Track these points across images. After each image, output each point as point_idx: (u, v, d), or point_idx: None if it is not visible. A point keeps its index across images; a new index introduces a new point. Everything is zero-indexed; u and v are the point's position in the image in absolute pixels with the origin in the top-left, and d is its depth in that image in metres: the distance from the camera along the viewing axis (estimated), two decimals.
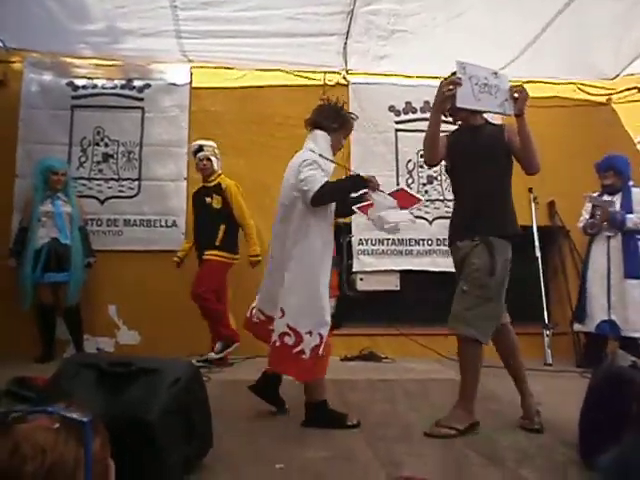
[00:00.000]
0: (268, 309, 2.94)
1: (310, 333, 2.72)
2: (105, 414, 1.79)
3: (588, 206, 4.84)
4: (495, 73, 2.75)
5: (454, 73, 2.72)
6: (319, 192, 2.72)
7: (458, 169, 2.93)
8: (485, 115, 2.96)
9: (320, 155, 2.88)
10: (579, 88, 5.61)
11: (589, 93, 5.65)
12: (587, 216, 4.82)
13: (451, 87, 2.63)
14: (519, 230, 2.90)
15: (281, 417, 2.94)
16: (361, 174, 3.01)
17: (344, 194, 2.96)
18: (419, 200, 3.11)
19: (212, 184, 4.56)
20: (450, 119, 2.97)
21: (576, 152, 5.41)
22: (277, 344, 2.73)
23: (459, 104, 2.67)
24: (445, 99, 2.69)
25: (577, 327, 4.81)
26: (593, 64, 5.28)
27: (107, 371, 2.15)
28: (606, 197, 4.72)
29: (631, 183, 4.71)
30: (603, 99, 5.66)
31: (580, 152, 5.41)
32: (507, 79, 2.78)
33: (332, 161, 2.97)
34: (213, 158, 4.57)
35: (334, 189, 2.85)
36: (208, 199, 4.53)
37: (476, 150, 2.83)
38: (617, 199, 4.64)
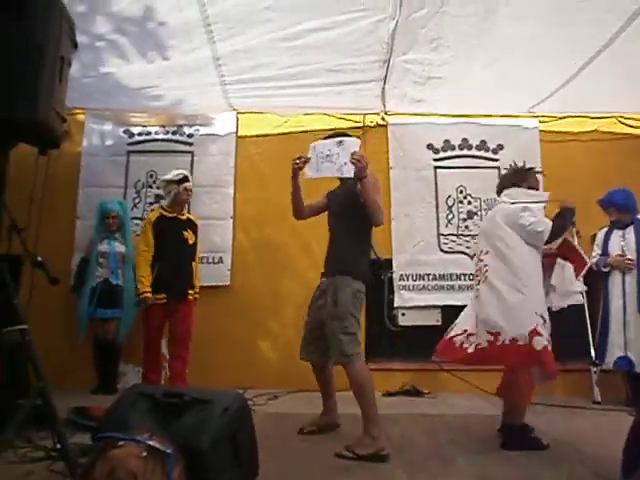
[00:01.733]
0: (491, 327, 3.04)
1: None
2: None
3: (599, 238, 4.79)
4: (340, 142, 3.15)
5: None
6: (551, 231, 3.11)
7: (328, 220, 3.50)
8: None
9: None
10: (620, 121, 5.60)
11: (631, 126, 5.63)
12: (599, 251, 4.78)
13: (297, 162, 3.23)
14: (367, 273, 3.39)
15: (325, 447, 3.01)
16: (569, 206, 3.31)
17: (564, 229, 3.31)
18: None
19: (184, 217, 4.49)
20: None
21: (616, 185, 5.36)
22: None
23: (305, 177, 3.27)
24: (294, 170, 3.29)
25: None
26: (635, 96, 5.25)
27: (162, 401, 2.31)
28: (615, 232, 4.71)
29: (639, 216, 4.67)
30: None
31: (621, 185, 5.36)
32: (355, 144, 3.12)
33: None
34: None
35: (561, 227, 3.20)
36: (185, 233, 4.41)
37: (334, 204, 3.46)
38: (630, 233, 4.62)
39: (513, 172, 3.55)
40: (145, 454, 1.00)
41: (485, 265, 3.29)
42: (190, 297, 4.35)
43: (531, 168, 3.59)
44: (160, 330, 4.28)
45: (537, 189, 3.55)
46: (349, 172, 3.03)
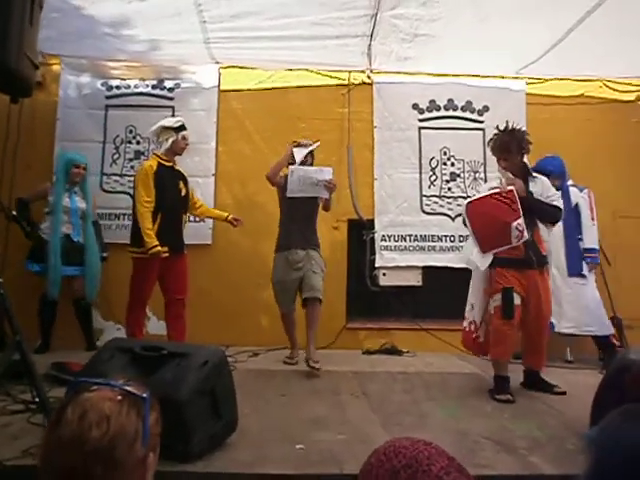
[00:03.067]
0: None
1: None
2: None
3: None
4: (320, 170, 4.17)
5: None
6: None
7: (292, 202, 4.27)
8: None
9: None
10: (605, 85, 5.57)
11: (616, 90, 5.61)
12: None
13: (289, 151, 4.21)
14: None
15: (303, 402, 3.06)
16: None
17: None
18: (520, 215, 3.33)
19: (177, 168, 4.28)
20: None
21: (602, 150, 5.40)
22: None
23: (288, 195, 4.14)
24: (278, 162, 4.28)
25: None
26: (623, 61, 5.20)
27: (140, 355, 2.31)
28: None
29: (569, 182, 4.77)
30: (631, 96, 5.61)
31: (606, 150, 5.40)
32: (330, 172, 4.17)
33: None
34: None
35: None
36: (180, 184, 4.21)
37: None
38: None
39: None
40: (120, 398, 0.98)
41: None
42: (186, 252, 4.23)
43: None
44: (153, 285, 4.15)
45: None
46: (325, 194, 4.20)
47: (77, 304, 4.73)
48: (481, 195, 3.53)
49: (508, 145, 3.55)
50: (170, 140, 4.13)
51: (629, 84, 5.57)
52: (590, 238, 4.78)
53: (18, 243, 4.53)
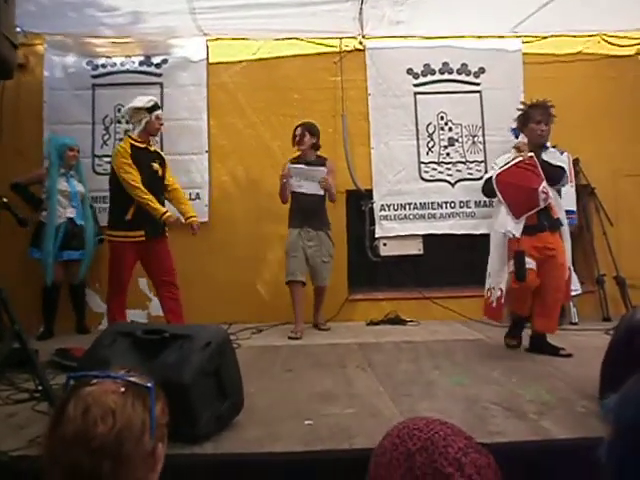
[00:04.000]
0: None
1: None
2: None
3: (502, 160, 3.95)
4: (315, 169, 4.51)
5: None
6: None
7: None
8: None
9: None
10: (603, 40, 5.42)
11: (615, 45, 5.46)
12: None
13: (284, 174, 4.46)
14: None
15: (308, 377, 3.05)
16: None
17: None
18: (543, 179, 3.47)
19: (152, 149, 4.14)
20: None
21: (601, 108, 5.29)
22: None
23: (291, 189, 4.50)
24: (282, 178, 4.48)
25: None
26: (621, 14, 5.01)
27: (142, 338, 2.27)
28: None
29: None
30: (631, 51, 5.46)
31: (606, 108, 5.29)
32: (324, 171, 4.50)
33: None
34: None
35: None
36: (155, 165, 4.07)
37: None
38: None
39: None
40: (123, 390, 0.93)
41: None
42: (167, 234, 4.14)
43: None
44: (131, 269, 4.09)
45: None
46: (321, 191, 4.55)
47: (72, 287, 4.74)
48: (507, 166, 3.62)
49: (529, 117, 3.65)
50: (143, 121, 3.97)
51: (628, 38, 5.43)
52: (569, 200, 4.75)
53: (18, 231, 4.48)
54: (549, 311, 3.58)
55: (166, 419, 1.01)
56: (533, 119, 3.63)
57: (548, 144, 3.79)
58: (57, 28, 4.98)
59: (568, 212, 4.60)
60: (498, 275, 3.57)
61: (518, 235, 3.47)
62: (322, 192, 4.55)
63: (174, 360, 2.07)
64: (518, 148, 3.63)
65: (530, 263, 3.45)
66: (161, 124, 4.11)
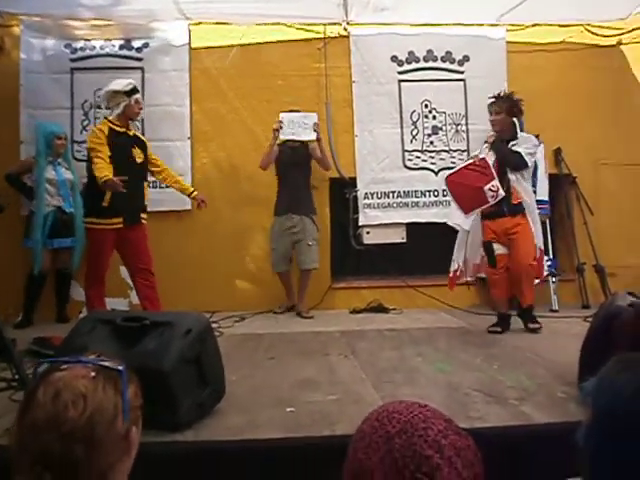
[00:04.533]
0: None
1: None
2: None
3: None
4: (306, 115, 4.62)
5: None
6: None
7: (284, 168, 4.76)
8: None
9: None
10: (586, 30, 5.44)
11: (597, 35, 5.48)
12: None
13: (275, 127, 4.53)
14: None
15: (290, 365, 3.04)
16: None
17: None
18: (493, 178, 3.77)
19: (132, 134, 4.03)
20: None
21: (583, 98, 5.32)
22: None
23: (281, 137, 4.59)
24: (274, 132, 4.56)
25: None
26: (604, 4, 5.04)
27: (121, 326, 2.24)
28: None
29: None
30: (613, 41, 5.49)
31: (588, 98, 5.32)
32: (315, 116, 4.64)
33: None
34: None
35: None
36: (134, 151, 3.96)
37: (293, 158, 4.71)
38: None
39: None
40: (94, 374, 0.92)
41: None
42: (144, 221, 4.06)
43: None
44: (109, 257, 4.00)
45: None
46: (313, 135, 4.60)
47: (59, 274, 4.69)
48: (457, 168, 4.12)
49: (499, 107, 3.93)
50: (122, 105, 3.85)
51: (610, 28, 5.46)
52: (542, 190, 4.85)
53: (11, 221, 4.46)
54: (519, 288, 3.92)
55: (140, 402, 1.01)
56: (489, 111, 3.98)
57: (523, 134, 4.05)
58: (34, 9, 4.86)
59: (540, 202, 4.75)
60: (457, 252, 4.09)
61: (467, 228, 3.96)
62: (313, 136, 4.59)
63: (154, 347, 2.04)
64: (487, 141, 3.99)
65: (500, 249, 3.90)
66: (140, 108, 4.02)
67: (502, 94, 4.01)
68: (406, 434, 0.77)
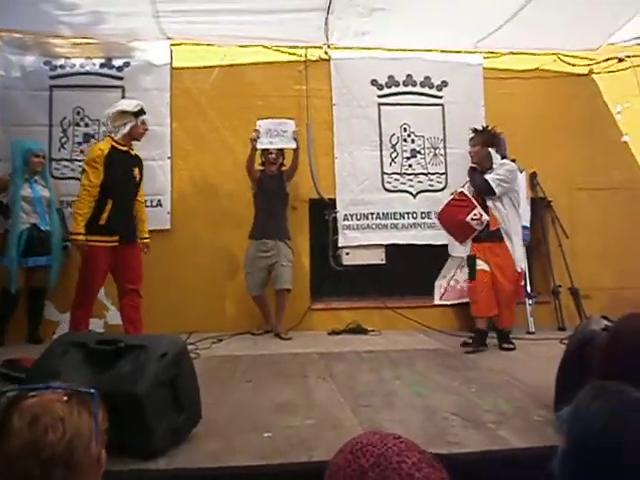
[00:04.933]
0: None
1: None
2: (94, 390, 1.85)
3: None
4: (284, 122, 4.66)
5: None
6: None
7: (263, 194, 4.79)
8: None
9: None
10: (560, 59, 5.61)
11: (570, 64, 5.65)
12: None
13: (253, 135, 4.59)
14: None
15: (268, 388, 3.01)
16: None
17: None
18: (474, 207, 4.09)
19: (133, 153, 4.04)
20: None
21: (557, 124, 5.46)
22: None
23: (258, 147, 4.63)
24: (252, 141, 4.60)
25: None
26: (576, 35, 5.23)
27: (95, 349, 2.19)
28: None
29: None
30: (585, 70, 5.66)
31: (561, 124, 5.46)
32: (292, 123, 4.69)
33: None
34: None
35: None
36: (135, 170, 3.99)
37: (272, 185, 4.77)
38: None
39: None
40: (66, 398, 0.91)
41: None
42: (139, 241, 4.04)
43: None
44: (104, 276, 3.96)
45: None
46: (293, 144, 4.68)
47: (33, 293, 4.59)
48: (443, 205, 4.42)
49: (476, 140, 4.26)
50: (128, 125, 3.89)
51: (583, 58, 5.63)
52: (524, 216, 4.92)
53: None
54: (501, 308, 4.12)
55: (106, 425, 1.01)
56: None
57: (503, 161, 4.30)
58: (15, 25, 4.82)
59: (522, 227, 4.81)
60: (446, 271, 4.75)
61: (463, 255, 4.43)
62: (293, 144, 4.67)
63: (129, 371, 2.00)
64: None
65: (481, 265, 4.12)
66: (146, 129, 4.05)
67: (480, 128, 4.33)
68: (379, 467, 0.76)
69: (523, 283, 4.21)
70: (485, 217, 4.05)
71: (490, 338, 4.19)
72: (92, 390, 0.96)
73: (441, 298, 4.55)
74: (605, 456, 0.89)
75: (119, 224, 3.80)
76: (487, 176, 4.12)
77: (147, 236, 4.25)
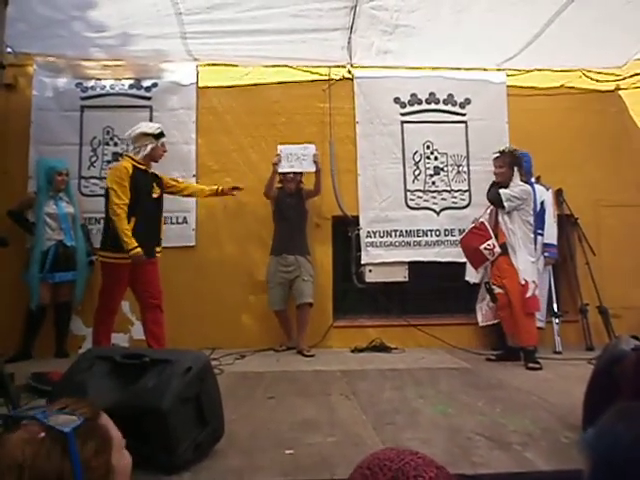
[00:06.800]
0: None
1: None
2: (118, 403, 1.88)
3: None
4: (305, 147, 4.80)
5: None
6: None
7: (283, 210, 4.91)
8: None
9: None
10: (585, 75, 5.57)
11: (597, 80, 5.60)
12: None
13: (275, 161, 4.76)
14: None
15: (292, 404, 3.00)
16: None
17: None
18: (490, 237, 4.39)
19: (151, 172, 4.12)
20: None
21: (583, 140, 5.40)
22: None
23: (280, 170, 4.80)
24: (273, 166, 4.77)
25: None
26: (602, 52, 5.18)
27: (121, 363, 2.23)
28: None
29: (532, 179, 4.86)
30: (611, 86, 5.61)
31: (587, 140, 5.41)
32: (313, 148, 4.82)
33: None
34: None
35: None
36: (156, 188, 4.08)
37: (291, 202, 4.89)
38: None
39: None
40: (43, 435, 0.88)
41: None
42: (158, 255, 4.09)
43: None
44: (124, 292, 4.05)
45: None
46: (312, 167, 4.80)
47: (59, 308, 4.68)
48: (466, 232, 4.71)
49: (502, 161, 4.40)
50: (149, 147, 3.99)
51: (608, 74, 5.58)
52: (550, 234, 4.92)
53: (11, 255, 4.43)
54: (517, 326, 4.25)
55: (105, 457, 0.94)
56: None
57: (521, 184, 4.38)
58: (48, 49, 5.01)
59: (549, 245, 4.91)
60: (480, 297, 4.77)
61: (477, 281, 4.83)
62: (312, 168, 4.78)
63: (153, 385, 2.03)
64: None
65: (496, 288, 4.36)
66: (165, 151, 4.14)
67: (506, 150, 4.45)
68: None
69: (530, 295, 4.18)
70: (497, 249, 4.33)
71: None
72: (66, 429, 0.89)
73: (483, 320, 4.70)
74: (632, 474, 0.87)
75: (140, 241, 3.82)
76: (501, 190, 4.30)
77: (216, 187, 4.48)
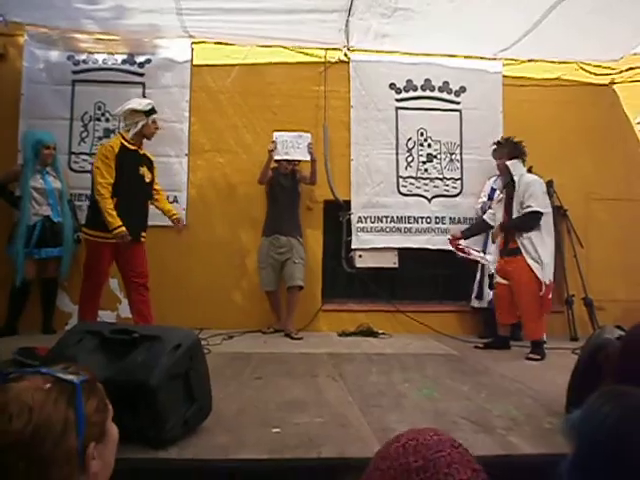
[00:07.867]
0: None
1: None
2: (107, 378, 1.87)
3: (487, 185, 5.17)
4: (300, 135, 4.76)
5: None
6: None
7: (276, 191, 4.89)
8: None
9: None
10: (581, 68, 5.57)
11: (593, 74, 5.61)
12: (485, 199, 5.12)
13: (270, 148, 4.70)
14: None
15: (280, 385, 3.02)
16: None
17: None
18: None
19: (142, 152, 4.04)
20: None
21: (576, 133, 5.43)
22: None
23: (275, 158, 4.74)
24: (269, 152, 4.71)
25: (475, 303, 5.07)
26: (598, 46, 5.17)
27: (110, 338, 2.22)
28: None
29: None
30: (606, 80, 5.62)
31: (580, 133, 5.43)
32: (308, 136, 4.79)
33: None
34: None
35: None
36: (142, 170, 4.00)
37: (285, 182, 4.87)
38: None
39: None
40: (49, 385, 0.89)
41: None
42: (143, 239, 4.04)
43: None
44: (108, 272, 4.06)
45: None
46: (308, 156, 4.77)
47: (46, 284, 4.65)
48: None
49: (501, 153, 4.34)
50: (140, 124, 3.92)
51: (604, 67, 5.59)
52: None
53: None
54: (523, 320, 4.28)
55: (104, 416, 0.97)
56: None
57: (528, 175, 4.32)
58: (40, 19, 4.89)
59: None
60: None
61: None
62: (307, 157, 4.76)
63: (142, 361, 2.02)
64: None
65: (498, 278, 4.37)
66: (157, 128, 4.08)
67: (501, 140, 4.42)
68: (426, 473, 0.72)
69: (550, 296, 4.12)
70: (472, 253, 4.62)
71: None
72: (76, 380, 0.92)
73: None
74: (616, 455, 0.89)
75: (126, 223, 3.77)
76: (526, 210, 4.09)
77: (175, 212, 4.29)
